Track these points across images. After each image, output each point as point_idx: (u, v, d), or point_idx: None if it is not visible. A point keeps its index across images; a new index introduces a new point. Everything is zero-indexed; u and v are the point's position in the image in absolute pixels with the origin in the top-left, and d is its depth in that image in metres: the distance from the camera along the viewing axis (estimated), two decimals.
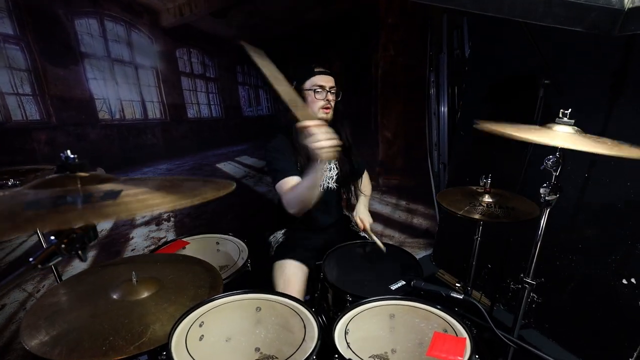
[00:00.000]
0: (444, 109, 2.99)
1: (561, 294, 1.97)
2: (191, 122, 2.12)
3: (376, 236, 1.56)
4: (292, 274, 1.49)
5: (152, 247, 1.95)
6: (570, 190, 1.88)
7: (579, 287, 1.90)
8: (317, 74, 1.55)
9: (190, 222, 2.18)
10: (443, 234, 2.87)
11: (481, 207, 1.42)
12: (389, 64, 2.72)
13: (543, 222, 1.01)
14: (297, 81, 1.57)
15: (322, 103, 1.55)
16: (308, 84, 1.55)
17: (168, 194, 0.60)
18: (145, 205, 0.55)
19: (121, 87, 1.85)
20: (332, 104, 1.59)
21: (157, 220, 2.08)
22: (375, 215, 2.95)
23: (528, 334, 2.11)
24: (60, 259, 0.50)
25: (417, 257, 3.10)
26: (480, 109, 2.38)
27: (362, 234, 1.75)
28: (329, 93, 1.56)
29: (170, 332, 0.80)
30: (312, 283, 1.55)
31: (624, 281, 1.70)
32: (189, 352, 0.77)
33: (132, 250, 1.98)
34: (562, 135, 0.89)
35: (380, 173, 2.94)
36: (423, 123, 3.03)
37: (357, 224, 1.73)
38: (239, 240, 1.57)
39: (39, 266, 0.48)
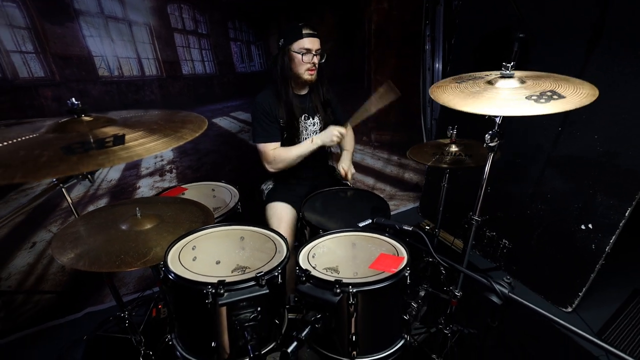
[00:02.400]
0: (438, 64, 2.99)
1: (529, 240, 2.16)
2: (186, 79, 2.21)
3: (367, 188, 1.74)
4: (284, 213, 1.69)
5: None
6: (545, 144, 1.99)
7: (544, 233, 2.08)
8: (305, 37, 1.60)
9: (191, 174, 2.36)
10: (429, 188, 3.03)
11: (448, 157, 1.55)
12: (383, 18, 2.69)
13: (488, 164, 1.14)
14: (285, 40, 1.63)
15: (308, 66, 1.63)
16: (296, 45, 1.61)
17: (161, 137, 0.76)
18: (147, 149, 0.69)
19: (117, 44, 1.94)
20: (317, 65, 1.67)
21: (160, 172, 2.27)
22: (367, 170, 3.13)
23: (497, 276, 2.31)
24: (75, 180, 0.67)
25: (406, 209, 3.32)
26: (468, 63, 2.41)
27: (345, 181, 1.92)
28: (315, 56, 1.63)
29: (167, 249, 1.00)
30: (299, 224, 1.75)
31: (582, 227, 1.87)
32: (182, 263, 0.98)
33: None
34: (503, 90, 0.99)
35: (372, 129, 3.02)
36: (417, 79, 3.05)
37: (340, 173, 1.87)
38: (231, 187, 1.76)
39: (61, 185, 0.65)
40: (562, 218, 1.97)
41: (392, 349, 0.96)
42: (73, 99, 0.68)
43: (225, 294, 0.84)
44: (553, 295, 2.05)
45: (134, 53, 2.00)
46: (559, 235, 2.00)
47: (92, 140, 0.62)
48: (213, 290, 0.83)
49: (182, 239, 1.09)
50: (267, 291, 0.87)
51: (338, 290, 0.84)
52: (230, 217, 1.52)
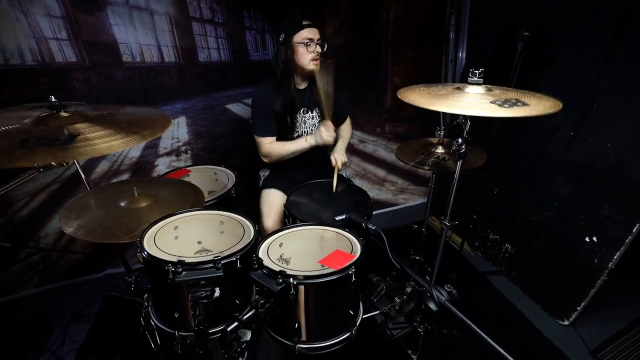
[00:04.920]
0: (461, 54, 2.85)
1: (531, 247, 2.08)
2: (202, 66, 2.33)
3: (378, 180, 1.73)
4: (275, 200, 1.78)
5: None
6: (555, 149, 1.87)
7: (546, 241, 1.99)
8: (305, 27, 1.64)
9: (205, 155, 2.52)
10: (437, 184, 2.95)
11: (432, 158, 1.52)
12: (402, 7, 2.60)
13: (457, 169, 1.13)
14: (286, 34, 1.67)
15: (312, 55, 1.67)
16: (298, 37, 1.65)
17: (120, 137, 0.86)
18: (94, 150, 0.80)
19: (139, 32, 2.09)
20: (318, 55, 1.70)
21: (177, 152, 2.45)
22: (379, 162, 3.12)
23: (497, 280, 2.29)
24: (55, 166, 0.80)
25: (415, 203, 3.27)
26: (482, 58, 2.29)
27: (341, 172, 1.94)
28: (317, 45, 1.67)
29: (146, 228, 1.14)
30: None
31: (587, 239, 1.77)
32: (155, 242, 1.11)
33: (156, 175, 2.39)
34: (469, 95, 0.97)
35: (386, 120, 2.98)
36: (437, 70, 2.93)
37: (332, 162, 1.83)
38: (230, 172, 1.88)
39: (41, 169, 0.78)
40: (566, 227, 1.87)
41: (334, 339, 1.03)
42: (53, 97, 0.80)
43: (184, 272, 0.95)
44: (551, 306, 1.97)
45: (154, 40, 2.15)
46: (561, 245, 1.90)
47: (59, 135, 0.74)
48: (173, 269, 0.95)
49: (163, 219, 1.22)
50: (222, 274, 0.97)
51: (280, 280, 0.92)
52: (224, 201, 1.64)
